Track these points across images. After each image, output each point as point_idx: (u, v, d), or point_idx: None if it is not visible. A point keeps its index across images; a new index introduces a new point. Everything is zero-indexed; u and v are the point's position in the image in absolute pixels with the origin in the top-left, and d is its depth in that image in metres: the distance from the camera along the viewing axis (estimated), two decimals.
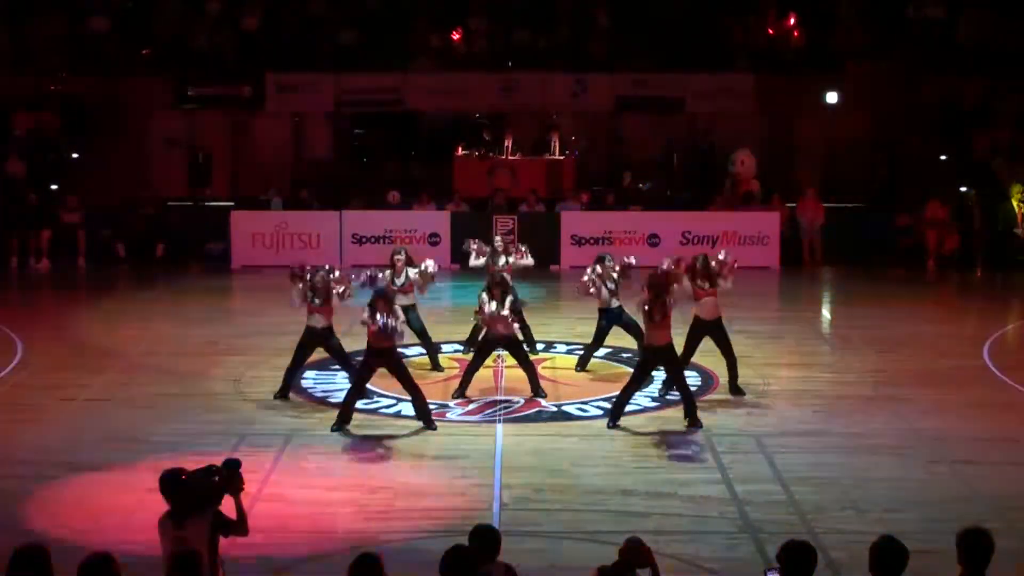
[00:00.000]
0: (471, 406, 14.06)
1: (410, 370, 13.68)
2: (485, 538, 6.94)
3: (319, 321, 14.08)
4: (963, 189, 25.13)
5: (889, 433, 13.11)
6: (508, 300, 13.92)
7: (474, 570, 6.55)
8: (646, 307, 12.91)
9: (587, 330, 15.70)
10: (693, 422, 13.17)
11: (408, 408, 13.44)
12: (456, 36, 27.75)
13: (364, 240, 23.89)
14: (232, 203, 25.89)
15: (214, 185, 26.49)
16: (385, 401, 14.02)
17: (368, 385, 13.58)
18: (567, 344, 16.90)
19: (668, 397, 14.12)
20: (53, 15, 27.32)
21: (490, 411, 13.85)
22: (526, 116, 27.29)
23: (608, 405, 13.68)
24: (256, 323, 18.82)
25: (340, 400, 13.58)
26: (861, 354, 16.86)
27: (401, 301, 14.09)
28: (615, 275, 14.90)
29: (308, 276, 14.08)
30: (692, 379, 14.48)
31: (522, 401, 14.20)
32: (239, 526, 7.57)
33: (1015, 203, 23.86)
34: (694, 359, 14.74)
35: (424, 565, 7.76)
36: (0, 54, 26.95)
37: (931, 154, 26.18)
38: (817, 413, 13.93)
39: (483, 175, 26.20)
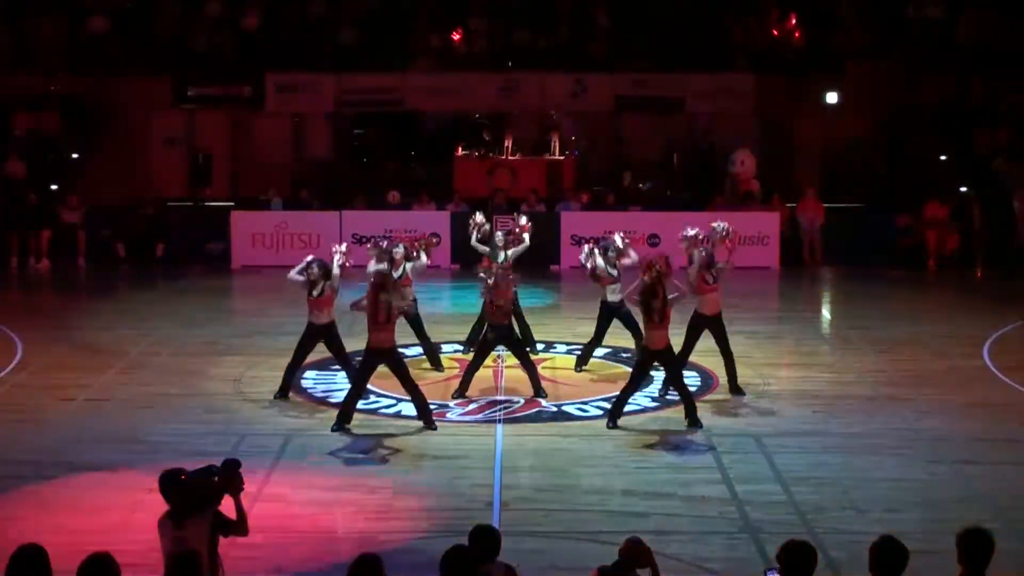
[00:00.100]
0: (471, 406, 14.06)
1: (410, 370, 13.68)
2: (485, 538, 6.94)
3: (319, 317, 14.07)
4: (963, 189, 25.11)
5: (889, 433, 13.11)
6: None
7: (474, 570, 6.54)
8: (641, 300, 12.86)
9: (587, 330, 15.68)
10: (693, 422, 13.17)
11: (408, 408, 13.44)
12: (456, 36, 27.73)
13: (364, 240, 23.82)
14: (232, 203, 25.89)
15: (214, 185, 26.47)
16: (385, 401, 14.01)
17: (368, 385, 13.57)
18: (567, 344, 16.91)
19: (668, 397, 14.11)
20: (53, 15, 27.31)
21: (490, 411, 13.85)
22: (526, 116, 27.29)
23: (608, 405, 13.68)
24: (256, 323, 18.84)
25: (340, 400, 13.59)
26: (861, 354, 16.84)
27: None
28: (614, 259, 14.84)
29: (313, 267, 14.05)
30: (691, 379, 14.48)
31: (522, 401, 14.20)
32: (239, 526, 7.57)
33: None
34: (694, 359, 14.75)
35: (424, 565, 7.76)
36: (0, 54, 26.93)
37: (931, 154, 26.16)
38: (817, 413, 13.92)
39: (483, 175, 26.18)
